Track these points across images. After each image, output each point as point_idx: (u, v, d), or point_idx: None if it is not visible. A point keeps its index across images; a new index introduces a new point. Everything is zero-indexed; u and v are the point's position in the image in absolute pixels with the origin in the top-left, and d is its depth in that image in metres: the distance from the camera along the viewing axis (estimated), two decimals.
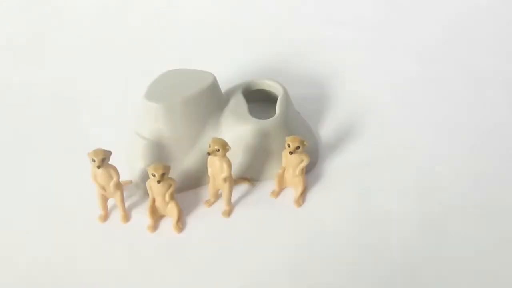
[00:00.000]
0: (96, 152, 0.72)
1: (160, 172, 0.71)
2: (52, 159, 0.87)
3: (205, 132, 0.82)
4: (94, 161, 0.71)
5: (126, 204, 0.79)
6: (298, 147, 0.74)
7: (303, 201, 0.81)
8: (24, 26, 1.17)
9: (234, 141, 0.78)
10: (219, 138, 0.74)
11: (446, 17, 1.19)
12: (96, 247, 0.75)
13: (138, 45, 1.12)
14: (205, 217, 0.79)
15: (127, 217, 0.78)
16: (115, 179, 0.74)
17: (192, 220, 0.78)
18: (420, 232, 0.77)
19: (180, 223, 0.77)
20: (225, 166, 0.74)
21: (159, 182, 0.72)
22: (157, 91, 0.80)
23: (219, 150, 0.72)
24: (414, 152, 0.88)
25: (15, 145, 0.89)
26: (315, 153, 0.86)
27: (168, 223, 0.77)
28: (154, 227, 0.77)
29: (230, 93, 0.86)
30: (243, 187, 0.82)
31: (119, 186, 0.75)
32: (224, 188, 0.77)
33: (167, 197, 0.74)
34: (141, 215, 0.78)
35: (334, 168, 0.85)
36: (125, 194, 0.78)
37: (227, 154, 0.74)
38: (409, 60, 1.08)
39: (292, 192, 0.81)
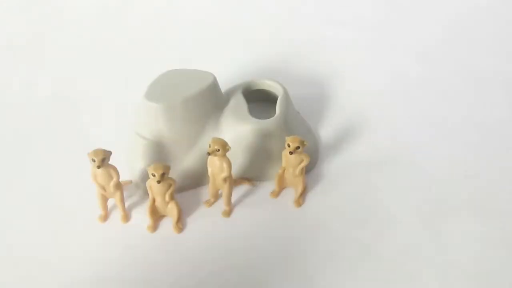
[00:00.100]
0: (96, 152, 0.72)
1: (160, 172, 0.71)
2: (52, 159, 0.87)
3: (205, 132, 0.82)
4: (94, 161, 0.71)
5: (126, 204, 0.79)
6: (298, 147, 0.74)
7: (303, 201, 0.81)
8: (24, 26, 1.17)
9: (234, 141, 0.78)
10: (219, 138, 0.74)
11: (446, 17, 1.19)
12: (96, 247, 0.75)
13: (138, 45, 1.12)
14: (205, 217, 0.79)
15: (127, 217, 0.78)
16: (115, 179, 0.74)
17: (192, 220, 0.78)
18: (420, 232, 0.77)
19: (180, 223, 0.77)
20: (225, 166, 0.74)
21: (159, 182, 0.72)
22: (157, 91, 0.80)
23: (219, 150, 0.72)
24: (414, 152, 0.88)
25: (15, 145, 0.89)
26: (315, 153, 0.86)
27: (168, 223, 0.77)
28: (154, 227, 0.77)
29: (230, 93, 0.86)
30: (243, 187, 0.82)
31: (119, 186, 0.76)
32: (224, 188, 0.77)
33: (167, 197, 0.74)
34: (141, 215, 0.78)
35: (334, 168, 0.85)
36: (125, 194, 0.78)
37: (227, 154, 0.74)
38: (409, 60, 1.08)
39: (292, 192, 0.81)
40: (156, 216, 0.77)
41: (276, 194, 0.81)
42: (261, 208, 0.80)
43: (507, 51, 1.10)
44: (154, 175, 0.71)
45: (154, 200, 0.75)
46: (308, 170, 0.82)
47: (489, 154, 0.88)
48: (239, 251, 0.74)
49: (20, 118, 0.95)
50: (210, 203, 0.80)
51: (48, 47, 1.12)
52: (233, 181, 0.77)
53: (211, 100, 0.82)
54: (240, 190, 0.82)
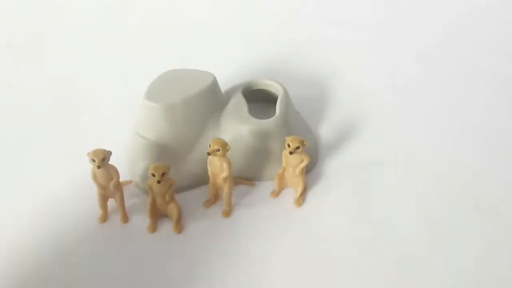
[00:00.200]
0: (96, 152, 0.72)
1: (160, 172, 0.71)
2: (52, 159, 0.87)
3: (205, 132, 0.82)
4: (94, 161, 0.71)
5: (126, 204, 0.79)
6: (298, 147, 0.74)
7: (303, 201, 0.81)
8: (24, 26, 1.17)
9: (234, 141, 0.78)
10: (219, 138, 0.74)
11: (446, 17, 1.19)
12: (96, 247, 0.75)
13: (138, 45, 1.12)
14: (205, 217, 0.79)
15: (127, 217, 0.78)
16: (115, 179, 0.74)
17: (192, 220, 0.78)
18: (421, 232, 0.77)
19: (180, 223, 0.77)
20: (225, 166, 0.74)
21: (159, 182, 0.72)
22: (157, 91, 0.80)
23: (219, 150, 0.72)
24: (414, 152, 0.88)
25: (15, 145, 0.89)
26: (315, 153, 0.86)
27: (168, 223, 0.77)
28: (154, 227, 0.77)
29: (230, 93, 0.86)
30: (243, 187, 0.82)
31: (119, 186, 0.75)
32: (224, 188, 0.77)
33: (167, 197, 0.74)
34: (141, 215, 0.78)
35: (334, 168, 0.85)
36: (125, 194, 0.78)
37: (227, 154, 0.74)
38: (409, 60, 1.08)
39: (292, 192, 0.81)
40: (156, 216, 0.77)
41: (276, 194, 0.81)
42: (261, 208, 0.80)
43: (507, 51, 1.10)
44: (154, 175, 0.71)
45: (154, 200, 0.75)
46: (308, 170, 0.82)
47: (489, 154, 0.88)
48: (239, 251, 0.74)
49: (20, 118, 0.95)
50: (210, 203, 0.80)
51: (48, 47, 1.12)
52: (233, 181, 0.77)
53: (211, 100, 0.82)
54: (240, 190, 0.82)
